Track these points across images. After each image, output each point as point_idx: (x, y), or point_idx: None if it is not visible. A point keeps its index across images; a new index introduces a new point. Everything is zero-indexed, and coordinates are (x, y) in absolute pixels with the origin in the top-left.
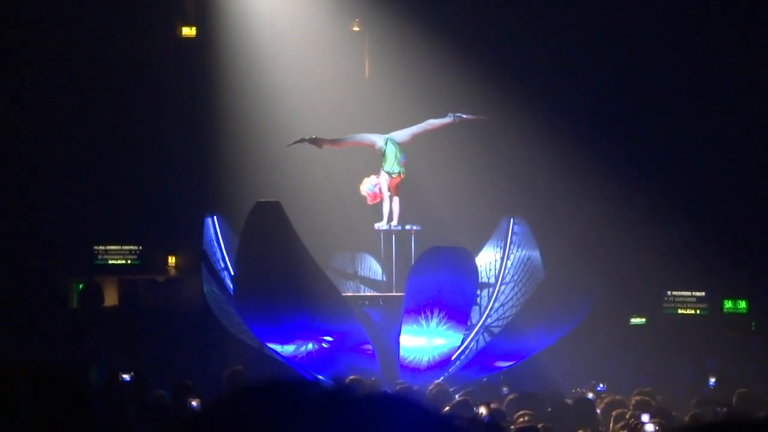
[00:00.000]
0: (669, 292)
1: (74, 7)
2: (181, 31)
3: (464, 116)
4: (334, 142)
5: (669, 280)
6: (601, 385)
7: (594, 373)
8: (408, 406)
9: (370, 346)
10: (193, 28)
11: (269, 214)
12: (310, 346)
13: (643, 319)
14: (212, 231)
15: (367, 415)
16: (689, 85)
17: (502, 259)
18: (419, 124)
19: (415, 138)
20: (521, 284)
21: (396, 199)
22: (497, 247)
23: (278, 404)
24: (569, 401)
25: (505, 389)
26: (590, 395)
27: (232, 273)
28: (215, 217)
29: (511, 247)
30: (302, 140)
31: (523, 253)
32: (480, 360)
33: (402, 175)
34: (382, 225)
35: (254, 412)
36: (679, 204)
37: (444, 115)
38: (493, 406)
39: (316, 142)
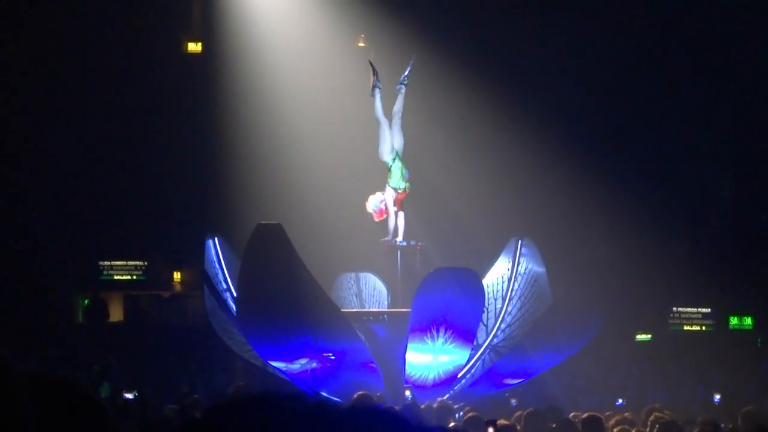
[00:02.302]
0: (675, 309)
1: (80, 22)
2: (186, 47)
3: (406, 73)
4: (376, 106)
5: (675, 296)
6: (620, 400)
7: (600, 390)
8: (389, 419)
9: (373, 364)
10: (199, 44)
11: (271, 236)
12: (314, 364)
13: (649, 336)
14: (213, 252)
15: (347, 428)
16: (695, 103)
17: (509, 279)
18: (393, 121)
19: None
20: (528, 305)
21: (401, 214)
22: (505, 267)
23: (258, 417)
24: (575, 418)
25: (513, 401)
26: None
27: (235, 295)
28: (216, 238)
29: (519, 267)
30: (373, 67)
31: (531, 273)
32: (486, 378)
33: (407, 191)
34: (387, 240)
35: (233, 425)
36: (684, 221)
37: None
38: (500, 422)
39: (376, 81)
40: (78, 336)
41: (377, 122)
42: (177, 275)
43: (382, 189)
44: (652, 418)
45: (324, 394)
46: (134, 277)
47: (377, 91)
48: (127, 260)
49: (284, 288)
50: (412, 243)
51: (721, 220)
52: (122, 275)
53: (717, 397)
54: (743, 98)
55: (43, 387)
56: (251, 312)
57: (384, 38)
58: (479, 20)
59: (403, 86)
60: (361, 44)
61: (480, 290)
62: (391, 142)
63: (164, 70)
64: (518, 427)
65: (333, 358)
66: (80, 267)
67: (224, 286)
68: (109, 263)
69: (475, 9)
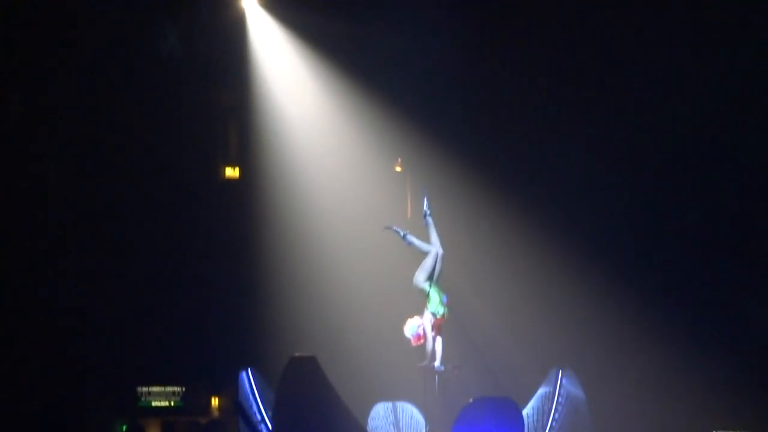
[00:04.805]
0: None
1: (117, 145)
2: (224, 172)
3: (425, 207)
4: (421, 246)
5: (713, 418)
6: None
7: None
8: None
9: None
10: (236, 169)
11: (305, 368)
12: None
13: None
14: (247, 384)
15: None
16: (737, 230)
17: (549, 410)
18: (428, 255)
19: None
20: None
21: (439, 339)
22: (545, 397)
23: None
24: None
25: None
26: None
27: (270, 427)
28: (249, 369)
29: (559, 398)
30: (393, 229)
31: (571, 403)
32: None
33: (446, 316)
34: (425, 365)
35: None
36: (721, 340)
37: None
38: None
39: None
40: None
41: (422, 251)
42: (215, 401)
43: (416, 314)
44: None
45: None
46: (172, 404)
47: (429, 219)
48: (165, 386)
49: (319, 421)
50: (450, 367)
51: (759, 339)
52: (160, 401)
53: None
54: None
55: None
56: None
57: (421, 163)
58: (518, 144)
59: (429, 218)
60: (398, 168)
61: (519, 421)
62: (431, 269)
63: (202, 195)
64: None
65: None
66: (118, 393)
67: (259, 418)
68: (147, 389)
69: (514, 132)
